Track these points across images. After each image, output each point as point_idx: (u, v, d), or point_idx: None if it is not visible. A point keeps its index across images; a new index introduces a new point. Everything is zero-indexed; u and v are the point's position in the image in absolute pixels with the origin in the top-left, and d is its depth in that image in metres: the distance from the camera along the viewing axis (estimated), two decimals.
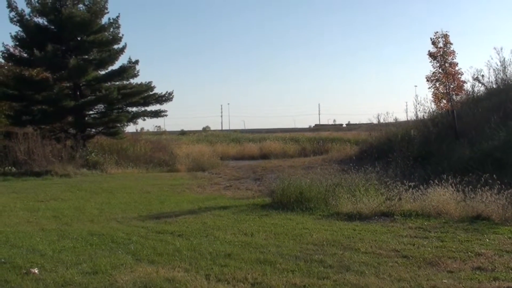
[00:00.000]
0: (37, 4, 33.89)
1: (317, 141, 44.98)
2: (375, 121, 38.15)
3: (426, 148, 24.17)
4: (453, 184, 14.07)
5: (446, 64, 24.61)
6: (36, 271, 8.60)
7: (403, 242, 10.31)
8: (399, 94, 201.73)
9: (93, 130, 37.14)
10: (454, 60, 24.74)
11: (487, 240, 10.27)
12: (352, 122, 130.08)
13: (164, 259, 9.29)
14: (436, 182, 14.49)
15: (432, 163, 21.35)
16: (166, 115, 40.30)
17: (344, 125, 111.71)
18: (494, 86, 28.52)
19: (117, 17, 36.29)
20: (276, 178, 21.46)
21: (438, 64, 24.78)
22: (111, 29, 35.95)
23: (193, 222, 13.47)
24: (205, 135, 67.12)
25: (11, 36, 34.16)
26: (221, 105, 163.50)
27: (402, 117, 45.28)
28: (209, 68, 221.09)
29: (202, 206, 16.66)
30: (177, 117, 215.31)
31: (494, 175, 13.67)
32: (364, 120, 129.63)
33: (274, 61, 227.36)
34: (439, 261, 8.72)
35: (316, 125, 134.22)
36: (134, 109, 38.07)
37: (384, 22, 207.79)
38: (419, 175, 18.60)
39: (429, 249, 9.63)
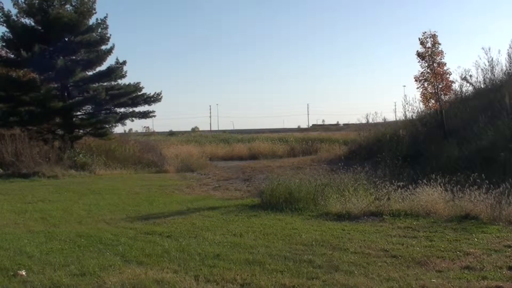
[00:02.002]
0: (23, 5, 33.59)
1: (306, 142, 45.06)
2: (364, 121, 38.31)
3: (415, 148, 24.29)
4: (441, 184, 14.13)
5: (434, 64, 24.71)
6: (24, 273, 8.55)
7: (392, 242, 10.33)
8: (388, 94, 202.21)
9: (81, 131, 36.91)
10: (442, 60, 24.88)
11: (476, 239, 10.31)
12: (341, 122, 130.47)
13: (153, 260, 9.27)
14: (425, 181, 14.57)
15: (420, 163, 21.44)
16: (154, 116, 40.26)
17: (342, 125, 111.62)
18: (482, 86, 28.68)
19: (105, 17, 36.14)
20: (265, 178, 21.50)
21: (426, 64, 24.88)
22: (99, 30, 35.78)
23: (182, 223, 13.45)
24: (194, 136, 67.21)
25: None
26: (210, 106, 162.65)
27: (391, 117, 45.49)
28: (198, 68, 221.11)
29: (191, 207, 16.65)
30: (166, 118, 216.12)
31: (483, 175, 13.76)
32: (353, 120, 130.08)
33: (263, 61, 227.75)
34: (428, 261, 8.74)
35: (313, 125, 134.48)
36: (122, 110, 37.92)
37: (373, 22, 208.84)
38: (408, 174, 18.62)
39: (418, 248, 9.66)
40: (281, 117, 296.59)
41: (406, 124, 29.63)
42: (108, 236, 11.78)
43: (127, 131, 66.93)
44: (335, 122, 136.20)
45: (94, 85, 36.46)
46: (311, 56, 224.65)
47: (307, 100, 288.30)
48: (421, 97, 25.63)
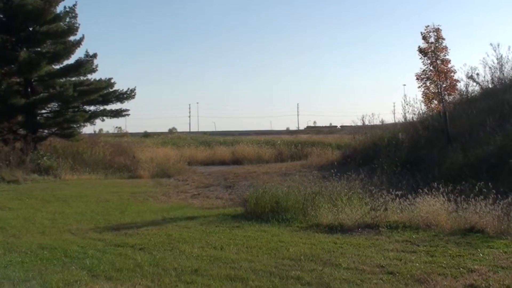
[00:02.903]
0: None
1: (295, 145, 45.10)
2: (359, 123, 38.29)
3: (415, 153, 24.29)
4: (444, 193, 14.12)
5: (437, 61, 24.75)
6: None
7: (389, 257, 10.33)
8: (386, 94, 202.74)
9: (46, 131, 36.77)
10: (447, 57, 24.93)
11: (481, 255, 10.32)
12: (334, 124, 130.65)
13: (124, 275, 9.22)
14: (426, 190, 14.53)
15: (421, 170, 21.45)
16: (127, 115, 40.20)
17: (339, 127, 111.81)
18: (490, 85, 28.81)
19: (74, 5, 36.04)
20: (249, 185, 21.50)
21: (429, 61, 24.92)
22: (67, 19, 35.65)
23: (157, 234, 13.41)
24: (171, 138, 67.08)
25: None
26: (189, 105, 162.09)
27: (389, 119, 45.41)
28: (176, 64, 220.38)
29: (167, 216, 16.62)
30: (140, 118, 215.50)
31: (489, 184, 13.77)
32: (347, 122, 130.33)
33: (249, 57, 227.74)
34: (428, 278, 8.74)
35: (308, 127, 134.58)
36: (92, 108, 37.86)
37: (372, 16, 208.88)
38: (407, 183, 18.65)
39: (417, 264, 9.66)
40: (268, 118, 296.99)
41: (406, 127, 29.67)
42: (74, 248, 11.72)
43: (97, 132, 66.73)
44: (327, 124, 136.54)
45: (61, 80, 36.34)
46: (301, 52, 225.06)
47: (297, 100, 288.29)
48: (422, 97, 25.69)
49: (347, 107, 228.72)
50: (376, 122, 36.26)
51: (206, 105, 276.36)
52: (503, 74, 28.31)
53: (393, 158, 23.26)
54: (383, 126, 34.12)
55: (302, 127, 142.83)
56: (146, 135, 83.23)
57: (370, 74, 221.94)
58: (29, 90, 35.33)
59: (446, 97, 25.19)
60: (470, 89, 29.49)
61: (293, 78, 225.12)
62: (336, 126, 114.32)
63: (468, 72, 29.53)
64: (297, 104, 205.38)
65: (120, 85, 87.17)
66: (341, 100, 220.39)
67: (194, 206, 19.49)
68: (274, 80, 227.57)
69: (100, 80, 37.12)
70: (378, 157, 23.81)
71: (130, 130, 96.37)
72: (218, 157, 44.03)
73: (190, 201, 21.03)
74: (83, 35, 36.38)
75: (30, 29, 34.88)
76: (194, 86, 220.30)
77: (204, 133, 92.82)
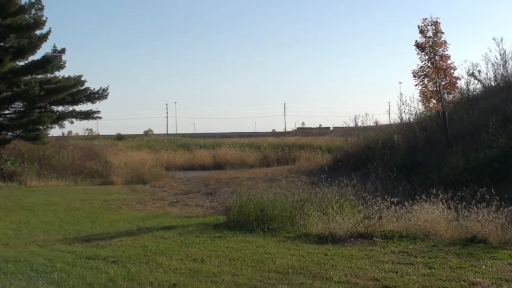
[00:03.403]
0: None
1: (282, 148, 45.15)
2: (352, 125, 38.41)
3: (412, 157, 24.41)
4: (443, 200, 14.18)
5: (436, 56, 24.85)
6: None
7: (384, 270, 10.35)
8: (381, 93, 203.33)
9: (10, 133, 36.57)
10: (446, 52, 25.04)
11: (484, 266, 10.36)
12: (324, 125, 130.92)
13: None
14: (424, 197, 14.59)
15: (419, 175, 21.52)
16: (99, 117, 40.07)
17: (332, 128, 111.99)
18: (493, 83, 28.95)
19: None
20: (232, 192, 21.51)
21: (426, 57, 25.01)
22: (33, 11, 35.48)
23: (131, 245, 13.38)
24: (147, 140, 67.00)
25: None
26: (167, 104, 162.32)
27: (384, 120, 45.66)
28: (153, 61, 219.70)
29: (143, 226, 16.61)
30: (113, 119, 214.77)
31: (492, 190, 13.81)
32: (338, 123, 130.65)
33: (231, 53, 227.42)
34: None
35: (298, 128, 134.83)
36: (60, 108, 37.73)
37: (365, 9, 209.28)
38: (403, 189, 18.74)
39: (414, 277, 9.68)
40: (253, 119, 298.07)
41: (402, 128, 29.78)
42: (41, 261, 11.66)
43: (65, 134, 66.60)
44: (317, 125, 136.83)
45: (25, 77, 36.11)
46: (288, 48, 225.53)
47: (283, 99, 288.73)
48: (420, 96, 25.80)
49: (338, 107, 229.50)
50: (370, 123, 36.47)
51: (184, 105, 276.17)
52: (506, 71, 28.45)
53: (388, 162, 23.37)
54: (378, 128, 34.31)
55: (289, 128, 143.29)
56: (119, 137, 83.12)
57: (363, 71, 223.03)
58: None
59: (446, 96, 25.29)
60: (471, 87, 29.68)
61: (279, 76, 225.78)
62: (329, 128, 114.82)
63: (469, 69, 29.73)
64: (284, 103, 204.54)
65: (91, 84, 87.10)
66: (332, 99, 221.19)
67: (172, 214, 19.50)
68: (259, 77, 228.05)
69: (69, 77, 36.96)
70: (372, 161, 23.86)
71: (102, 132, 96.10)
72: (198, 161, 44.09)
73: (168, 209, 21.05)
74: (50, 28, 36.32)
75: None
76: (172, 85, 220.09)
77: (183, 135, 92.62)
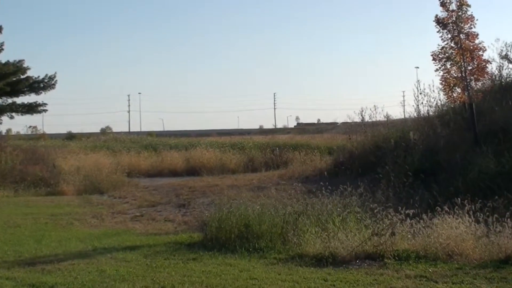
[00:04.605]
0: None
1: (272, 149, 45.22)
2: (357, 119, 38.40)
3: (432, 159, 24.35)
4: (470, 212, 14.20)
5: (461, 35, 24.78)
6: None
7: None
8: (393, 80, 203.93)
9: None
10: (473, 30, 24.93)
11: None
12: (323, 121, 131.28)
13: None
14: (446, 208, 14.60)
15: (440, 181, 21.52)
16: (45, 110, 39.99)
17: (339, 123, 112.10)
18: None
19: None
20: (209, 203, 21.55)
21: (449, 36, 24.95)
22: None
23: (85, 270, 13.36)
24: (105, 140, 66.91)
25: None
26: (129, 96, 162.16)
27: (397, 114, 45.54)
28: (111, 43, 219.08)
29: (99, 246, 16.56)
30: (63, 114, 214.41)
31: None
32: (341, 118, 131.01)
33: (207, 36, 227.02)
34: None
35: (298, 123, 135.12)
36: None
37: None
38: (421, 198, 18.75)
39: None
40: (235, 113, 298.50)
41: (419, 123, 29.73)
42: None
43: (3, 133, 66.43)
44: (314, 121, 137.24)
45: None
46: (278, 26, 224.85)
47: (273, 89, 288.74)
48: (441, 84, 25.69)
49: (341, 98, 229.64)
50: (380, 117, 36.30)
51: (151, 97, 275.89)
52: None
53: (402, 165, 23.34)
54: (389, 123, 34.24)
55: (280, 124, 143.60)
56: (70, 136, 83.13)
57: (371, 54, 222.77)
58: None
59: (473, 83, 25.22)
60: (504, 72, 29.59)
61: (267, 61, 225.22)
62: (336, 123, 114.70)
63: (501, 50, 29.65)
64: (274, 94, 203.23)
65: (36, 72, 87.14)
66: (332, 89, 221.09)
67: (136, 231, 19.48)
68: (242, 62, 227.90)
69: (7, 63, 36.87)
70: (383, 164, 23.90)
71: (49, 130, 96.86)
72: (167, 165, 44.20)
73: (130, 225, 21.03)
74: None
75: None
76: (136, 73, 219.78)
77: (149, 133, 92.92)
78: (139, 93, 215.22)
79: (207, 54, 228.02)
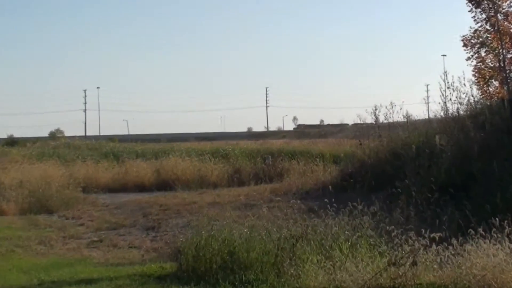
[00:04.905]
0: None
1: (263, 157, 45.25)
2: (369, 120, 38.40)
3: (463, 170, 24.32)
4: None
5: (498, 15, 24.80)
6: None
7: None
8: (415, 72, 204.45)
9: None
10: None
11: None
12: (328, 122, 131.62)
13: None
14: (482, 231, 14.57)
15: (473, 198, 21.48)
16: None
17: (350, 125, 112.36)
18: None
19: None
20: (185, 225, 21.55)
21: (484, 16, 24.98)
22: None
23: None
24: (55, 147, 66.95)
25: None
26: (85, 91, 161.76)
27: (419, 113, 45.35)
28: (64, 27, 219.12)
29: (46, 279, 16.50)
30: (2, 114, 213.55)
31: None
32: (349, 118, 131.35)
33: (183, 19, 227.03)
34: None
35: (299, 125, 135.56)
36: None
37: None
38: (450, 219, 18.75)
39: None
40: (218, 113, 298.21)
41: (448, 125, 29.68)
42: None
43: None
44: (316, 122, 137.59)
45: None
46: (272, 9, 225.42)
47: (264, 83, 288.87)
48: (474, 75, 25.71)
49: (349, 93, 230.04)
50: (398, 118, 36.22)
51: (112, 93, 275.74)
52: None
53: (426, 177, 23.28)
54: (410, 125, 34.18)
55: (273, 126, 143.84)
56: (11, 142, 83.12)
57: (386, 38, 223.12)
58: None
59: None
60: None
61: (259, 50, 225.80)
62: (347, 124, 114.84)
63: None
64: (266, 88, 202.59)
65: None
66: (339, 83, 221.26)
67: (93, 261, 19.45)
68: (226, 52, 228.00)
69: None
70: (402, 177, 23.86)
71: None
72: (133, 178, 44.13)
73: (86, 252, 21.00)
74: None
75: None
76: (94, 62, 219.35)
77: (110, 138, 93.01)
78: (98, 87, 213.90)
79: (185, 42, 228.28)
